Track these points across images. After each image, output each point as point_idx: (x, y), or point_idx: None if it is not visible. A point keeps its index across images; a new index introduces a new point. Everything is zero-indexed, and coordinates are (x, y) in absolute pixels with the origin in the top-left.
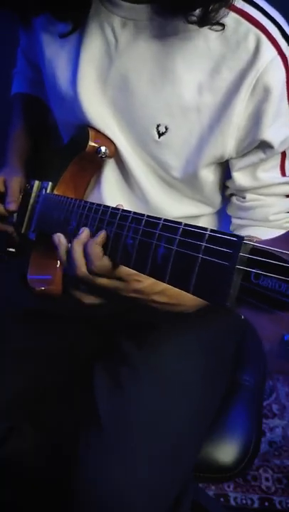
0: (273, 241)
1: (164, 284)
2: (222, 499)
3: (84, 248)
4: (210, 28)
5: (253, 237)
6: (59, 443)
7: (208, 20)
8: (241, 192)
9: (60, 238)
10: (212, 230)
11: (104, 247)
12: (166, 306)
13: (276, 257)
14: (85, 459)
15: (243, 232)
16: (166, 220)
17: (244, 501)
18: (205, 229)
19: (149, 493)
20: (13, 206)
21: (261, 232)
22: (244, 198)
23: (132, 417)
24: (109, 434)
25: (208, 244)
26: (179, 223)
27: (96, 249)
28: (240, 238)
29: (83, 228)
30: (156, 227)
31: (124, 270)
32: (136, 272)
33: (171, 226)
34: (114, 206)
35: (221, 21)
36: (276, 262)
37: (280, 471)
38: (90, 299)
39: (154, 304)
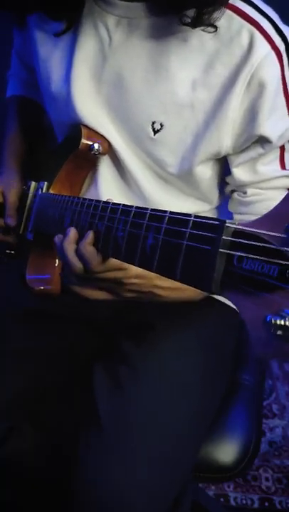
0: (254, 222)
1: None
2: (222, 499)
3: (77, 251)
4: (203, 30)
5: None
6: (59, 443)
7: (201, 21)
8: (242, 187)
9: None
10: (196, 216)
11: (96, 242)
12: (172, 292)
13: (258, 238)
14: (85, 459)
15: None
16: (152, 210)
17: (244, 501)
18: (189, 215)
19: (148, 494)
20: (13, 222)
21: None
22: (245, 193)
23: (132, 418)
24: (109, 434)
25: (193, 231)
26: (165, 211)
27: (89, 249)
28: (222, 222)
29: (70, 228)
30: (144, 217)
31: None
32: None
33: (157, 215)
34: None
35: (214, 23)
36: (258, 244)
37: (280, 471)
38: (94, 294)
39: (157, 289)
